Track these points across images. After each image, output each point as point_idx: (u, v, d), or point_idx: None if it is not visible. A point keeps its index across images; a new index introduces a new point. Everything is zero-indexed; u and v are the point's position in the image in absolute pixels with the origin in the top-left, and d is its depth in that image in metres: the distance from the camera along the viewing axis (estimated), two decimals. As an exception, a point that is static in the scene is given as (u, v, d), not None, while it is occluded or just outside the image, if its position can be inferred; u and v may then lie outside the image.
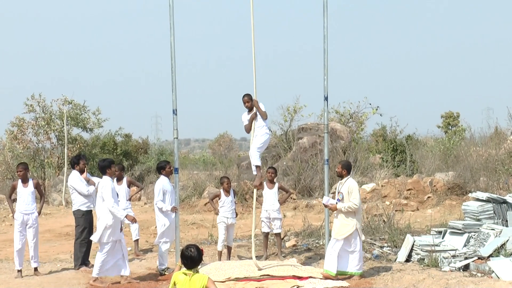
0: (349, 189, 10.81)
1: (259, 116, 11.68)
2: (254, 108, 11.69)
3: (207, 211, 12.60)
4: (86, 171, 12.47)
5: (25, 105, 28.86)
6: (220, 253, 12.58)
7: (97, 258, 10.90)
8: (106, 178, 10.96)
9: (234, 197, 12.86)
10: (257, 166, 11.74)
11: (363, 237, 11.05)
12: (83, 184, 12.14)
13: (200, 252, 6.58)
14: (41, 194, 12.30)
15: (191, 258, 6.53)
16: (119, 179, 13.66)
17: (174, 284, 6.54)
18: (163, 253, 11.86)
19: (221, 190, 12.73)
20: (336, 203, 10.91)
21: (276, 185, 13.01)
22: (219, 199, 12.70)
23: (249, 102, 11.71)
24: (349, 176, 11.02)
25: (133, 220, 11.11)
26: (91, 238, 11.40)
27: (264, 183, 12.87)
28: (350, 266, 10.91)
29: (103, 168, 11.03)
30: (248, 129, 11.76)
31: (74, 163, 12.38)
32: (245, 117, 11.84)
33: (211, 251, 13.29)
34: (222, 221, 12.61)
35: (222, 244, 12.57)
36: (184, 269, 6.58)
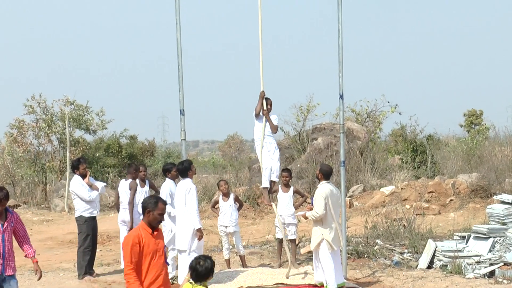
0: (315, 195, 10.04)
1: (270, 132, 11.24)
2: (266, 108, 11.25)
3: (217, 217, 12.38)
4: (89, 176, 12.18)
5: (24, 106, 28.17)
6: (227, 261, 12.17)
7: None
8: (188, 180, 10.50)
9: (235, 202, 12.17)
10: (273, 181, 11.52)
11: (335, 248, 10.02)
12: (84, 189, 11.82)
13: (207, 267, 6.23)
14: None
15: (195, 271, 6.27)
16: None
17: None
18: (170, 261, 11.38)
19: (220, 195, 12.26)
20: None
21: (291, 188, 12.56)
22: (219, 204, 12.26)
23: (271, 105, 11.24)
24: (324, 182, 10.15)
25: (200, 237, 10.56)
26: (177, 247, 10.78)
27: (279, 186, 12.44)
28: (324, 277, 10.11)
29: (185, 171, 10.54)
30: (258, 110, 11.20)
31: (74, 167, 12.11)
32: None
33: (221, 258, 12.96)
34: (221, 230, 12.19)
35: (228, 252, 12.14)
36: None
